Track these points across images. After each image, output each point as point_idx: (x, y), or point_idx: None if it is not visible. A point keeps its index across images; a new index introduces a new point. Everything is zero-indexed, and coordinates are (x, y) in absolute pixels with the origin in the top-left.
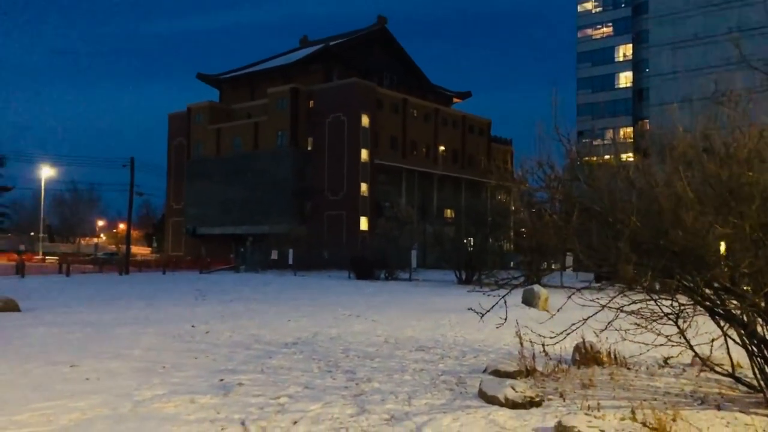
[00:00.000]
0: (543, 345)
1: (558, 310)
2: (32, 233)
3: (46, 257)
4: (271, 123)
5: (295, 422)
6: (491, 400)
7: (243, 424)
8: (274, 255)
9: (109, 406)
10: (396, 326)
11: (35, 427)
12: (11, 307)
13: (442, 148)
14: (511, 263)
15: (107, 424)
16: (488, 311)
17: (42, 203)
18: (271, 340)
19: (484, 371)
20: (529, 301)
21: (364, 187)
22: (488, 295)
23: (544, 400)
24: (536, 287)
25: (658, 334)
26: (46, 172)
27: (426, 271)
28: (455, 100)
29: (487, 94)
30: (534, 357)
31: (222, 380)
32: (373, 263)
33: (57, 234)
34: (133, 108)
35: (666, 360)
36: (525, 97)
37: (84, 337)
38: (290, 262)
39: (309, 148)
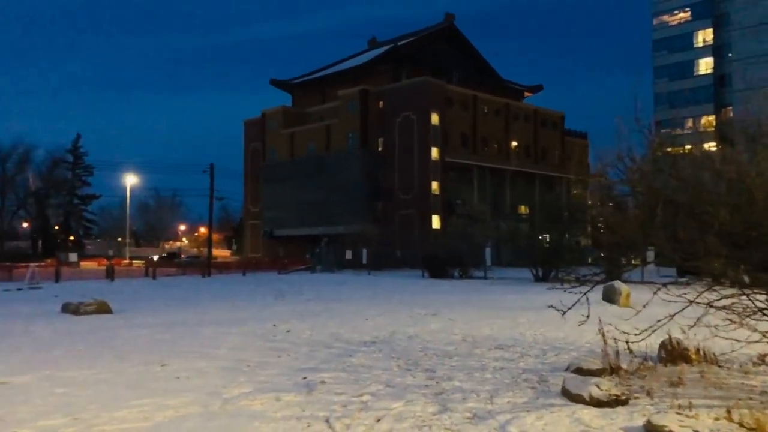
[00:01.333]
0: (627, 342)
1: (644, 306)
2: (119, 238)
3: (133, 261)
4: (342, 125)
5: (379, 420)
6: (575, 399)
7: (327, 421)
8: (349, 255)
9: (199, 403)
10: (473, 325)
11: (133, 422)
12: (104, 309)
13: (514, 143)
14: (589, 259)
15: (199, 421)
16: (570, 308)
17: (127, 210)
18: (350, 338)
19: (567, 369)
20: (610, 297)
21: (435, 185)
22: (568, 292)
23: (630, 399)
24: (617, 283)
25: (753, 331)
26: (131, 180)
27: (501, 269)
28: (527, 94)
29: (560, 87)
30: (618, 354)
31: (305, 378)
32: (446, 261)
33: (142, 238)
34: (212, 116)
35: (762, 357)
36: (599, 89)
37: (172, 337)
38: (364, 261)
39: (380, 149)
